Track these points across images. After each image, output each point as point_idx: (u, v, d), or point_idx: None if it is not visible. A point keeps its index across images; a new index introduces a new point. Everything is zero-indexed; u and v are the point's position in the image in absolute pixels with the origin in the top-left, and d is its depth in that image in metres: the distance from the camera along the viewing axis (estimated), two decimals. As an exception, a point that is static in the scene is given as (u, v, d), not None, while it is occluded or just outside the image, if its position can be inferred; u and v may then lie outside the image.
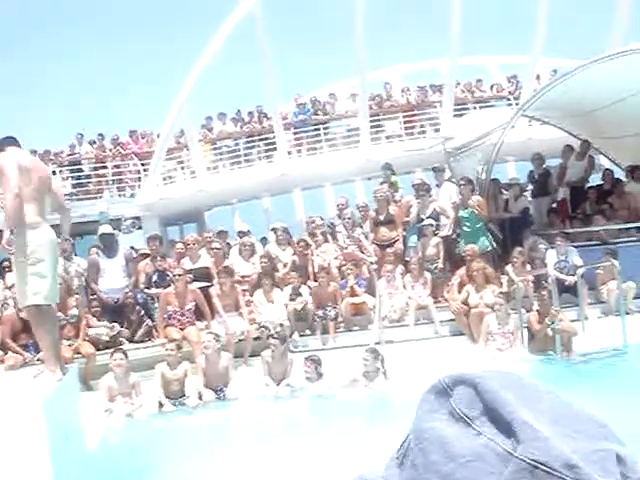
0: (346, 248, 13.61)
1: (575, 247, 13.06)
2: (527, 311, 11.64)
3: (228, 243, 14.57)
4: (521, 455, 0.72)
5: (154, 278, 12.59)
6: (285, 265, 13.22)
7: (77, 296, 11.82)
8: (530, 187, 16.01)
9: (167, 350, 10.22)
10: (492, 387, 0.77)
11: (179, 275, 11.78)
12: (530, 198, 15.52)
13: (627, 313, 11.74)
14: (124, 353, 10.07)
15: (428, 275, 12.94)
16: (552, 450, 0.72)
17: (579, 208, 15.17)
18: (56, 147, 22.34)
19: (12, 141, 7.02)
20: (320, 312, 12.31)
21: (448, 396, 0.80)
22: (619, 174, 16.23)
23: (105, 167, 21.51)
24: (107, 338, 11.56)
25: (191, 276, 12.30)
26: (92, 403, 9.37)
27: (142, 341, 11.89)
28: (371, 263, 13.15)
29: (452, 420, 0.78)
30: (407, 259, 13.38)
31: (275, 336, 10.74)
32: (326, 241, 13.69)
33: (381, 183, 15.22)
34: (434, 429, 0.79)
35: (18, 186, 6.52)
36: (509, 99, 20.55)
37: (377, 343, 11.12)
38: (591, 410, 0.81)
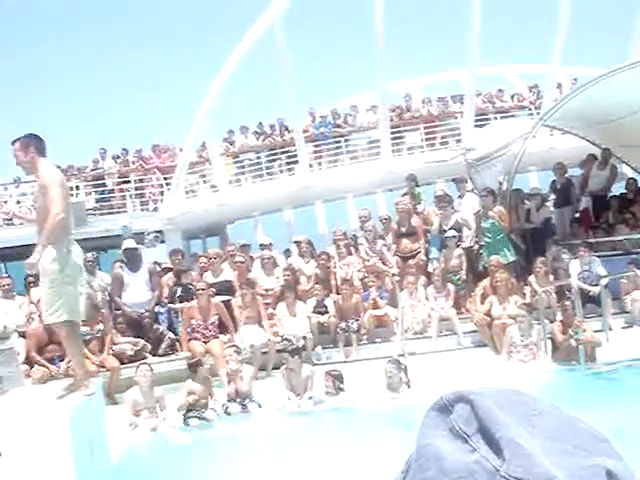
0: (368, 260, 13.64)
1: (598, 257, 13.00)
2: (550, 322, 11.58)
3: (251, 256, 14.63)
4: (505, 473, 0.75)
5: (178, 292, 12.66)
6: (309, 278, 13.26)
7: (102, 311, 11.91)
8: (552, 197, 15.95)
9: (192, 367, 10.23)
10: (487, 405, 0.80)
11: (202, 289, 11.85)
12: (552, 208, 15.45)
13: (651, 323, 11.66)
14: (149, 366, 10.13)
15: (451, 287, 12.93)
16: (535, 467, 0.74)
17: (602, 217, 15.08)
18: (79, 162, 22.55)
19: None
20: (343, 324, 12.33)
21: (449, 413, 0.83)
22: (642, 183, 16.13)
23: (128, 181, 21.66)
24: (131, 352, 11.65)
25: (214, 289, 12.38)
26: (117, 417, 9.43)
27: (165, 354, 11.97)
28: (393, 275, 13.17)
29: (451, 436, 0.81)
30: (430, 271, 13.39)
31: (288, 349, 10.77)
32: (349, 253, 13.72)
33: (403, 194, 15.22)
34: (432, 445, 0.81)
35: (63, 209, 6.48)
36: (530, 109, 20.48)
37: (400, 355, 11.11)
38: (593, 425, 0.83)
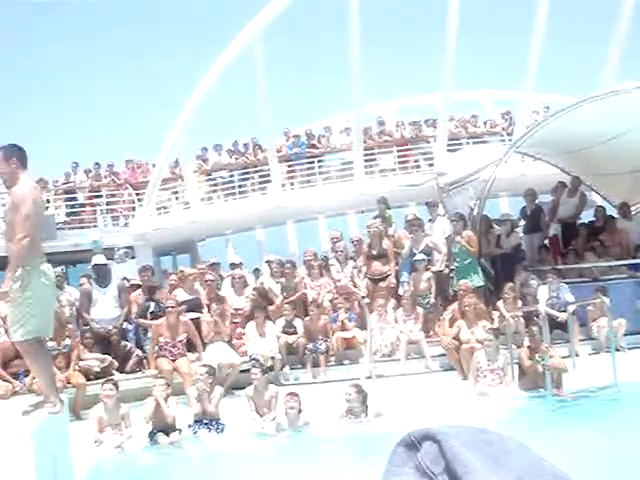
0: (339, 281, 13.67)
1: (566, 283, 13.13)
2: (518, 347, 11.64)
3: (220, 275, 14.59)
4: None
5: (151, 308, 12.58)
6: (279, 297, 13.28)
7: (69, 326, 11.81)
8: (522, 223, 16.09)
9: (155, 386, 10.10)
10: (454, 445, 0.81)
11: (171, 306, 11.79)
12: (522, 234, 15.58)
13: (617, 350, 11.75)
14: (115, 384, 10.02)
15: (420, 310, 12.98)
16: None
17: (570, 244, 15.23)
18: (51, 176, 22.39)
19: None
20: (311, 345, 12.32)
21: (416, 450, 0.84)
22: (611, 211, 16.33)
23: (100, 196, 21.55)
24: (98, 369, 11.55)
25: (184, 307, 12.34)
26: (82, 434, 9.33)
27: (133, 371, 11.88)
28: (363, 297, 13.21)
29: (418, 474, 0.82)
30: (400, 294, 13.44)
31: (256, 365, 10.70)
32: (321, 275, 13.74)
33: (375, 217, 15.28)
34: None
35: (33, 227, 6.36)
36: (502, 135, 20.69)
37: (368, 377, 11.11)
38: (556, 464, 0.85)
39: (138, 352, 12.10)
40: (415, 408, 9.71)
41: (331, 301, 13.27)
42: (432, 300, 13.41)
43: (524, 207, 15.97)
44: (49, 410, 6.71)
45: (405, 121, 21.32)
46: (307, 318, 12.73)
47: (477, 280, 13.21)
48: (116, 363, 11.85)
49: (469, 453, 0.80)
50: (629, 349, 12.43)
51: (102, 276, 12.74)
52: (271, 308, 12.96)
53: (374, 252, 13.80)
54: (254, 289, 13.21)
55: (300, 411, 9.95)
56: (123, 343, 12.14)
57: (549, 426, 9.45)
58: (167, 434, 9.81)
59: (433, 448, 0.83)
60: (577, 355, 11.97)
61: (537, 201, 15.86)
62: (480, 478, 0.78)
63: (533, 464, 0.82)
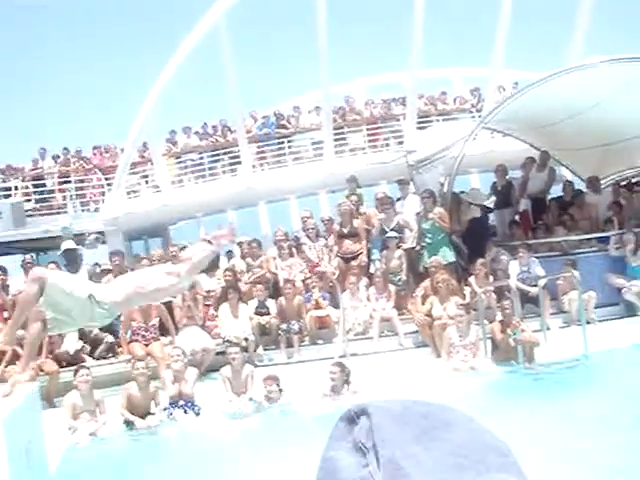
0: (311, 261, 13.67)
1: (537, 258, 13.22)
2: (490, 322, 11.74)
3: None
4: None
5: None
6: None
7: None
8: (493, 198, 16.16)
9: (137, 370, 10.06)
10: (382, 420, 0.81)
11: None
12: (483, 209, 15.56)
13: (588, 323, 11.87)
14: (89, 369, 9.98)
15: (392, 287, 13.01)
16: None
17: (541, 219, 15.32)
18: (18, 162, 22.13)
19: None
20: (284, 326, 12.32)
21: (355, 424, 0.84)
22: (580, 185, 16.45)
23: (69, 182, 21.33)
24: (72, 352, 11.46)
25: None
26: (55, 421, 9.29)
27: (104, 357, 11.81)
28: (333, 274, 13.24)
29: (353, 450, 0.82)
30: (371, 272, 13.47)
31: (231, 345, 10.70)
32: (291, 255, 13.72)
33: (347, 196, 15.24)
34: (332, 459, 0.83)
35: None
36: (472, 112, 20.72)
37: (342, 356, 11.14)
38: (500, 439, 0.84)
39: (108, 338, 11.99)
40: (389, 385, 9.78)
41: (304, 281, 13.26)
42: (404, 277, 13.45)
43: (494, 183, 16.03)
44: (16, 378, 6.67)
45: (374, 100, 21.29)
46: (281, 298, 12.72)
47: (449, 256, 13.27)
48: (88, 347, 11.79)
49: (396, 427, 0.80)
50: (599, 321, 12.56)
51: (72, 262, 12.63)
52: (243, 289, 12.94)
53: (345, 231, 13.81)
54: (225, 270, 13.15)
55: (281, 391, 9.99)
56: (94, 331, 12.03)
57: (522, 398, 9.54)
58: (143, 418, 9.79)
59: (367, 423, 0.83)
60: (548, 328, 12.08)
61: (508, 177, 15.93)
62: (394, 456, 0.77)
63: (472, 436, 0.81)
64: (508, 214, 15.61)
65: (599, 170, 16.19)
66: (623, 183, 16.62)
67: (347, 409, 0.87)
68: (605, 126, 14.70)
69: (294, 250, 13.90)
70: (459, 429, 0.82)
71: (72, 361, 11.22)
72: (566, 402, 8.95)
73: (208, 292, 12.78)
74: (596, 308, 12.77)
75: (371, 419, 0.82)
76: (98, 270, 13.55)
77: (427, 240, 13.42)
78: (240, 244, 14.32)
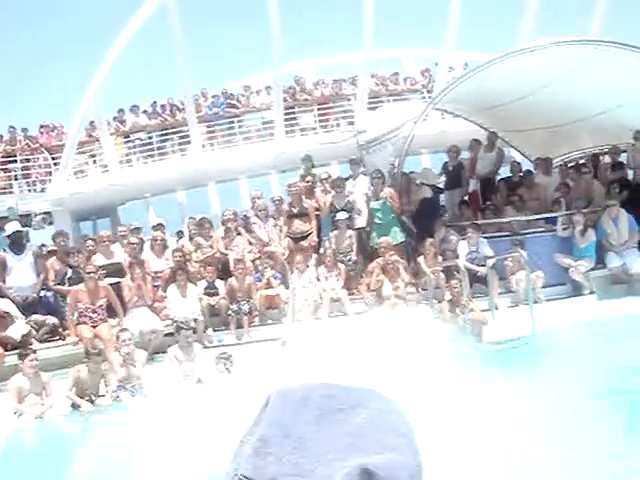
0: (261, 241, 13.62)
1: (486, 238, 13.33)
2: (439, 302, 11.82)
3: (141, 238, 14.38)
4: (239, 472, 0.82)
5: (69, 274, 12.33)
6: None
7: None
8: (443, 179, 16.26)
9: (92, 353, 9.95)
10: (275, 404, 0.82)
11: (92, 272, 11.56)
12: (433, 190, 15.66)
13: (535, 302, 12.02)
14: (36, 353, 9.83)
15: (342, 267, 13.02)
16: (262, 468, 0.80)
17: (489, 200, 15.45)
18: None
19: None
20: (234, 306, 12.26)
21: (265, 408, 0.86)
22: (529, 166, 16.62)
23: (14, 162, 20.92)
24: (19, 339, 11.25)
25: (104, 272, 12.14)
26: (0, 405, 9.16)
27: (48, 340, 11.62)
28: (282, 254, 13.21)
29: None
30: (321, 252, 13.46)
31: (185, 327, 10.62)
32: (239, 234, 13.64)
33: (302, 176, 15.14)
34: (242, 443, 0.86)
35: None
36: (422, 92, 20.77)
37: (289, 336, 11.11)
38: (405, 419, 0.84)
39: (50, 320, 11.79)
40: (340, 364, 9.78)
41: (253, 261, 13.20)
42: (354, 257, 13.46)
43: (445, 163, 16.13)
44: None
45: (325, 80, 21.23)
46: (231, 279, 12.65)
47: (399, 236, 13.33)
48: (34, 332, 11.60)
49: (291, 409, 0.82)
50: (546, 301, 12.72)
51: (17, 244, 12.40)
52: (192, 270, 12.84)
53: (295, 211, 13.78)
54: (174, 251, 13.03)
55: (229, 370, 9.95)
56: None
57: (470, 376, 9.65)
58: (91, 401, 9.69)
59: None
60: (497, 308, 12.21)
61: (460, 157, 16.04)
62: (284, 432, 0.80)
63: (376, 417, 0.82)
64: (458, 195, 15.72)
65: (547, 151, 16.37)
66: (571, 165, 16.82)
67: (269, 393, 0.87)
68: (554, 108, 14.85)
69: (242, 230, 13.81)
70: (365, 410, 0.83)
71: (18, 345, 11.00)
72: (513, 379, 9.06)
73: (156, 273, 12.66)
74: (543, 288, 12.94)
75: (268, 402, 0.83)
76: (44, 252, 13.32)
77: (377, 220, 13.45)
78: (188, 225, 14.23)
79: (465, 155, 16.38)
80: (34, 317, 11.73)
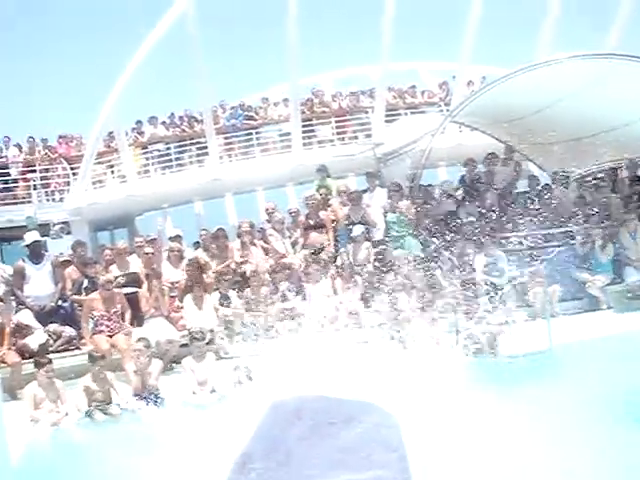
0: (277, 253, 13.64)
1: (503, 252, 13.29)
2: (455, 314, 11.78)
3: (159, 249, 14.40)
4: None
5: (85, 284, 12.39)
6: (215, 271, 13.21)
7: (0, 304, 11.55)
8: (460, 192, 16.23)
9: (94, 359, 9.98)
10: (267, 418, 0.82)
11: (108, 282, 11.62)
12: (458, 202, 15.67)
13: (552, 316, 11.96)
14: (50, 362, 9.86)
15: (359, 279, 13.01)
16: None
17: (507, 213, 15.39)
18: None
19: None
20: (250, 317, 12.26)
21: None
22: (546, 180, 16.57)
23: (33, 171, 21.07)
24: (36, 347, 11.30)
25: (121, 280, 12.22)
26: (17, 413, 9.18)
27: (67, 350, 11.64)
28: (299, 265, 13.21)
29: None
30: (338, 264, 13.46)
31: (198, 337, 10.63)
32: (253, 245, 13.68)
33: (317, 188, 15.18)
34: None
35: None
36: (440, 105, 20.76)
37: (307, 349, 11.10)
38: (397, 432, 0.83)
39: (67, 332, 11.82)
40: (355, 378, 9.77)
41: (270, 273, 13.21)
42: (370, 270, 13.44)
43: (463, 176, 16.10)
44: None
45: (343, 92, 21.27)
46: (247, 289, 12.67)
47: (414, 249, 13.30)
48: (52, 340, 11.65)
49: (283, 424, 0.81)
50: (563, 315, 12.66)
51: (36, 253, 12.47)
52: (208, 281, 12.87)
53: (311, 222, 13.79)
54: (187, 263, 13.07)
55: (250, 378, 9.95)
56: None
57: (486, 389, 9.59)
58: (105, 410, 9.71)
59: None
60: (513, 321, 12.14)
61: (477, 170, 16.01)
62: (273, 447, 0.79)
63: (368, 431, 0.81)
64: (475, 208, 15.66)
65: (565, 165, 16.31)
66: (588, 178, 16.75)
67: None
68: (571, 121, 14.81)
69: (258, 242, 13.84)
70: (359, 424, 0.82)
71: (35, 354, 11.05)
72: (530, 394, 9.01)
73: (173, 283, 12.69)
74: (560, 302, 12.89)
75: (264, 416, 0.83)
76: (60, 260, 13.40)
77: (393, 233, 13.44)
78: (203, 236, 14.26)
79: (482, 168, 16.35)
80: (52, 327, 11.78)
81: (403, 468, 0.80)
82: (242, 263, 13.37)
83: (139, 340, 10.47)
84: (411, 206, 13.58)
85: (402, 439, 0.83)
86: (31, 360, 10.49)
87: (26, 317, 11.71)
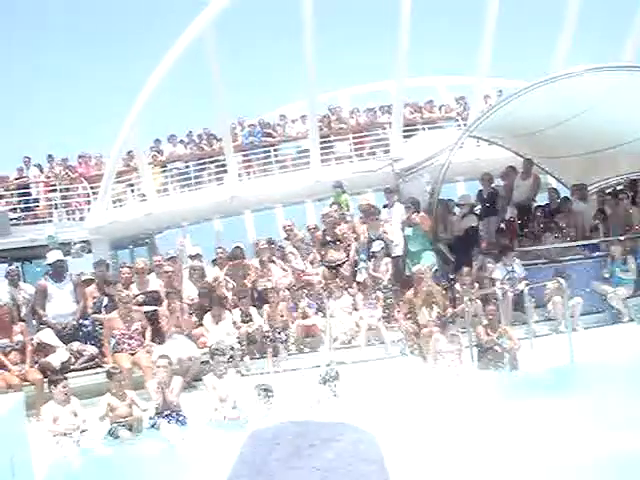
0: (297, 270, 13.67)
1: (524, 266, 13.28)
2: (475, 329, 11.75)
3: (179, 267, 14.47)
4: None
5: (105, 302, 12.45)
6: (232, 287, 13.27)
7: (22, 323, 11.63)
8: (479, 207, 16.20)
9: (112, 375, 10.02)
10: (247, 447, 0.85)
11: (126, 300, 11.69)
12: (478, 218, 15.66)
13: (574, 330, 11.90)
14: (66, 380, 9.93)
15: (380, 294, 13.02)
16: None
17: (527, 227, 15.38)
18: (3, 171, 22.01)
19: None
20: (270, 334, 12.28)
21: None
22: (566, 193, 16.52)
23: (54, 190, 21.25)
24: (58, 366, 11.36)
25: (140, 298, 12.28)
26: (41, 432, 9.23)
27: (89, 368, 11.69)
28: (319, 282, 13.24)
29: None
30: (358, 280, 13.47)
31: (219, 353, 10.65)
32: (272, 262, 13.73)
33: (331, 204, 15.25)
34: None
35: None
36: (457, 120, 20.75)
37: (328, 365, 11.10)
38: (375, 446, 0.86)
39: (89, 350, 11.88)
40: (376, 394, 9.79)
41: (290, 289, 13.24)
42: (390, 285, 13.45)
43: (480, 191, 16.07)
44: None
45: (360, 108, 21.31)
46: (266, 306, 12.70)
47: (432, 263, 13.30)
48: (73, 359, 11.71)
49: (263, 450, 0.84)
50: (585, 328, 12.60)
51: (58, 272, 12.57)
52: (229, 297, 12.92)
53: (329, 239, 13.83)
54: (203, 282, 13.15)
55: (270, 399, 9.95)
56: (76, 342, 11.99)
57: (508, 405, 9.56)
58: (127, 427, 9.74)
59: None
60: (535, 335, 12.11)
61: (494, 185, 15.98)
62: (257, 472, 0.82)
63: (346, 450, 0.84)
64: (494, 222, 15.65)
65: (584, 178, 16.29)
66: (608, 191, 16.71)
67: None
68: (590, 134, 14.78)
69: (277, 260, 13.89)
70: (337, 444, 0.84)
71: (57, 372, 11.10)
72: (551, 408, 8.96)
73: (193, 301, 12.72)
74: (582, 315, 12.83)
75: (245, 444, 0.87)
76: (82, 280, 13.49)
77: (410, 248, 13.44)
78: (219, 254, 14.32)
79: (500, 182, 16.33)
80: (74, 345, 11.85)
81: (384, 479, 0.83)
82: (258, 280, 13.40)
83: (160, 357, 10.51)
84: (426, 219, 13.57)
85: (381, 453, 0.86)
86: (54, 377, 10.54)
87: (48, 336, 11.79)
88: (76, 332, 12.08)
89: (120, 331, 11.50)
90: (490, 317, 11.41)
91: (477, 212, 15.57)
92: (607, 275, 13.42)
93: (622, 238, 13.74)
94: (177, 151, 20.75)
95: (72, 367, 11.55)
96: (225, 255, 14.12)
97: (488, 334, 11.21)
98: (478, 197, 16.15)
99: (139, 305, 12.19)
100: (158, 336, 12.06)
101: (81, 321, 12.24)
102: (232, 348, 11.78)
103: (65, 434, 9.42)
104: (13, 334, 11.17)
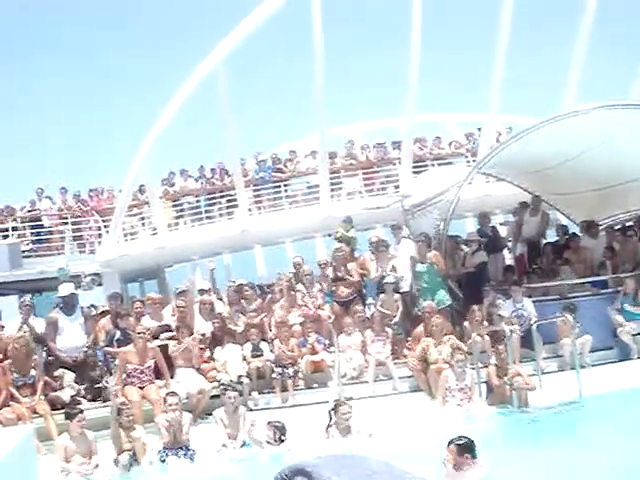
0: (306, 306, 13.71)
1: (533, 302, 13.29)
2: (485, 366, 11.74)
3: (191, 301, 14.53)
4: None
5: (117, 335, 12.48)
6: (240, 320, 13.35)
7: (35, 357, 11.65)
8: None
9: (124, 413, 10.03)
10: (323, 474, 0.89)
11: (142, 333, 11.72)
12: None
13: (582, 367, 11.87)
14: (82, 413, 9.93)
15: (389, 331, 13.03)
16: None
17: (536, 263, 15.40)
18: (16, 202, 22.20)
19: None
20: (279, 369, 12.29)
21: None
22: (575, 229, 16.56)
23: (66, 223, 21.42)
24: (68, 399, 11.38)
25: (154, 330, 12.36)
26: (51, 464, 9.26)
27: (103, 400, 11.68)
28: (328, 317, 13.30)
29: None
30: (367, 316, 13.48)
31: (230, 388, 10.66)
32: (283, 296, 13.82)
33: (337, 238, 15.32)
34: None
35: None
36: (467, 156, 20.84)
37: (336, 400, 11.10)
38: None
39: (104, 382, 11.89)
40: (385, 429, 9.80)
41: (300, 324, 13.25)
42: (399, 321, 13.45)
43: (479, 229, 16.09)
44: None
45: (370, 144, 21.44)
46: (275, 341, 12.73)
47: (445, 299, 13.31)
48: (83, 391, 11.74)
49: (338, 478, 0.88)
50: (593, 365, 12.57)
51: (70, 305, 12.64)
52: (238, 331, 12.97)
53: (339, 275, 13.89)
54: (215, 315, 13.22)
55: (283, 440, 9.93)
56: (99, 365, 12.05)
57: (517, 442, 9.55)
58: (135, 461, 9.74)
59: None
60: (543, 372, 12.08)
61: (491, 223, 16.10)
62: None
63: (395, 477, 0.89)
64: (500, 259, 15.69)
65: (593, 214, 16.34)
66: (617, 227, 16.74)
67: (277, 474, 0.94)
68: (598, 171, 14.84)
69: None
70: (386, 474, 0.90)
71: (67, 405, 11.10)
72: (561, 446, 8.94)
73: (204, 335, 12.75)
74: (591, 352, 12.81)
75: (311, 476, 0.90)
76: (94, 312, 13.56)
77: (423, 284, 13.44)
78: (228, 290, 14.43)
79: (508, 218, 16.40)
80: (84, 378, 11.89)
81: None
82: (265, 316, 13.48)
83: (170, 395, 10.47)
84: (439, 256, 13.60)
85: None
86: (63, 410, 10.56)
87: (58, 371, 11.84)
88: (86, 364, 12.10)
89: (133, 365, 11.52)
90: (499, 355, 11.39)
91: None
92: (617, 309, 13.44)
93: (632, 273, 13.75)
94: (188, 185, 20.91)
95: (82, 400, 11.57)
96: (232, 291, 14.19)
97: (499, 376, 11.20)
98: (478, 234, 16.06)
99: (153, 337, 12.22)
100: (169, 369, 12.07)
101: (89, 351, 12.25)
102: (240, 383, 11.81)
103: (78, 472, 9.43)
104: (28, 369, 11.19)
